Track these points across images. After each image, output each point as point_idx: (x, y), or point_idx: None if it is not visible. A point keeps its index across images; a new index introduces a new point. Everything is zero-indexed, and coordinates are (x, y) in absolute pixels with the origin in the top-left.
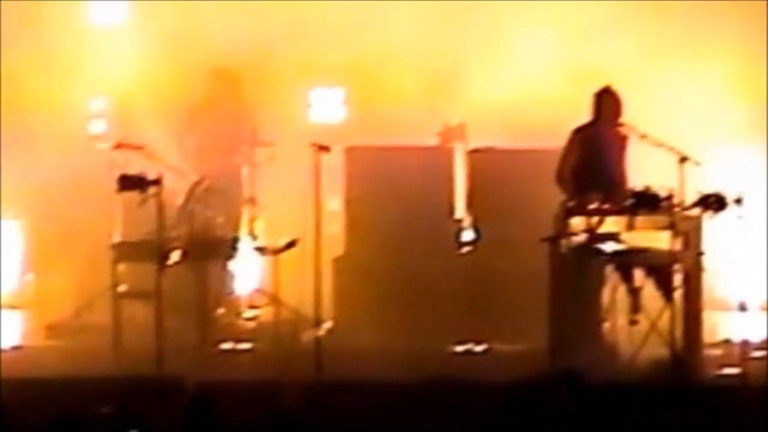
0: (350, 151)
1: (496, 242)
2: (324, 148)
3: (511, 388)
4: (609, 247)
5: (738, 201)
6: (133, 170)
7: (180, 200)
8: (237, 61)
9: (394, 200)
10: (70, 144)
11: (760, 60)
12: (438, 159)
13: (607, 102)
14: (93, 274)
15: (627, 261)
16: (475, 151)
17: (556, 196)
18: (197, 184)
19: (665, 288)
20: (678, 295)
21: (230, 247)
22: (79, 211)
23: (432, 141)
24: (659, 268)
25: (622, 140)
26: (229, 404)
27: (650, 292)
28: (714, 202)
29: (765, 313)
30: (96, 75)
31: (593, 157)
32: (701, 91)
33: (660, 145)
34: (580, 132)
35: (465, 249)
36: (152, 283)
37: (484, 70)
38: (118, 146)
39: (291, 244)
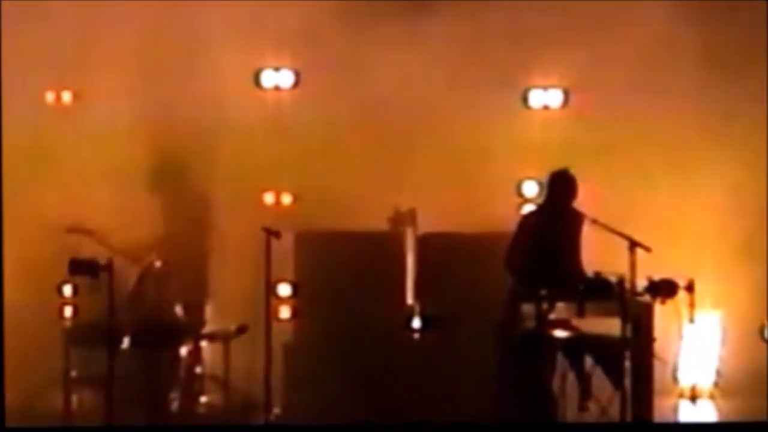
0: (300, 236)
1: (446, 327)
2: (275, 233)
3: None
4: (559, 333)
5: (689, 287)
6: (85, 255)
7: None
8: (185, 146)
9: (344, 285)
10: (21, 227)
11: (713, 136)
12: (388, 244)
13: (561, 185)
14: (45, 359)
15: (577, 347)
16: (425, 236)
17: (507, 281)
18: (148, 268)
19: (615, 374)
20: (628, 381)
21: (181, 332)
22: (30, 295)
23: (382, 226)
24: (609, 354)
25: (575, 224)
26: None
27: (601, 379)
28: (664, 289)
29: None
30: (48, 155)
31: (544, 242)
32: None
33: (611, 230)
34: (531, 215)
35: (415, 334)
36: (104, 368)
37: (434, 155)
38: (71, 230)
39: (241, 330)
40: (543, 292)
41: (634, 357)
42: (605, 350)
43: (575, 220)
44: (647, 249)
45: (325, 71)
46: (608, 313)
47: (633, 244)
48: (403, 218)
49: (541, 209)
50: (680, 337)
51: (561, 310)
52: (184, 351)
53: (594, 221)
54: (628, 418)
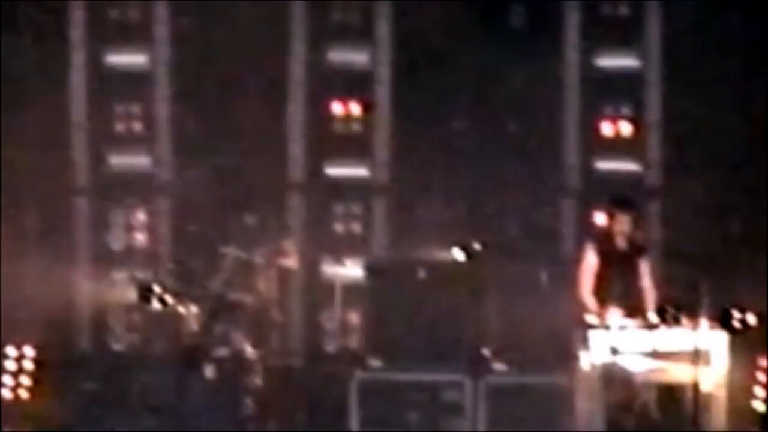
0: (370, 265)
1: (521, 358)
2: (342, 261)
3: None
4: (632, 363)
5: (761, 317)
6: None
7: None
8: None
9: (414, 315)
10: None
11: None
12: (458, 274)
13: (622, 212)
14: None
15: (650, 377)
16: (494, 267)
17: (578, 311)
18: (218, 299)
19: (688, 404)
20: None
21: (249, 362)
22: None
23: (453, 257)
24: (681, 385)
25: (639, 251)
26: None
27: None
28: (736, 318)
29: None
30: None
31: (610, 269)
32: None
33: (680, 260)
34: (595, 243)
35: (489, 366)
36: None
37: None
38: (146, 260)
39: (311, 359)
40: (613, 322)
41: (706, 387)
42: (676, 380)
43: (638, 247)
44: (718, 279)
45: (398, 105)
46: (679, 343)
47: (703, 274)
48: (473, 249)
49: (604, 236)
50: (753, 366)
51: (632, 339)
52: (251, 381)
53: (661, 248)
54: None
